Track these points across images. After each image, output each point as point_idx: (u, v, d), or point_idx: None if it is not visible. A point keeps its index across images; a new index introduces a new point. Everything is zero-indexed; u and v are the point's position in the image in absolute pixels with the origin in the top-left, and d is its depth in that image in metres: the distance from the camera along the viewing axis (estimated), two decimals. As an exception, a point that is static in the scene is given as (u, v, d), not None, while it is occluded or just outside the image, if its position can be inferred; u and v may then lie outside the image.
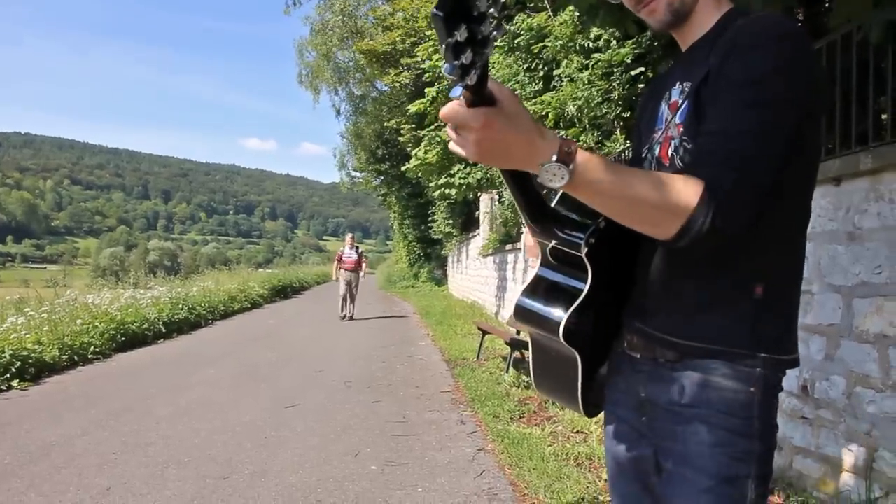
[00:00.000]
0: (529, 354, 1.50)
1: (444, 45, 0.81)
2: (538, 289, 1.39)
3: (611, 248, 1.27)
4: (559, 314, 1.30)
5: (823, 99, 1.21)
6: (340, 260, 14.67)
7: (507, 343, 7.19)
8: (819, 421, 3.47)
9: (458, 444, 4.69)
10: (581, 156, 0.98)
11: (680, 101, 1.26)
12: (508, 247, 12.48)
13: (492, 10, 0.82)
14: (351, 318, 14.12)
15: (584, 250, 1.25)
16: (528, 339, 1.42)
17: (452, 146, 0.98)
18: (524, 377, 6.62)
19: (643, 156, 1.37)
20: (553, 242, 1.33)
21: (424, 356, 8.96)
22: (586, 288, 1.28)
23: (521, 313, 1.40)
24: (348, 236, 15.55)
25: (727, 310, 1.20)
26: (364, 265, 15.04)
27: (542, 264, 1.40)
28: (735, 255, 1.17)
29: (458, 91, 0.88)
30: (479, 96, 0.90)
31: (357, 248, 14.96)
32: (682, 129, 1.22)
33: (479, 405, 5.68)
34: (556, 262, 1.38)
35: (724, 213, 1.03)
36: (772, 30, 1.13)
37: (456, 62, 0.82)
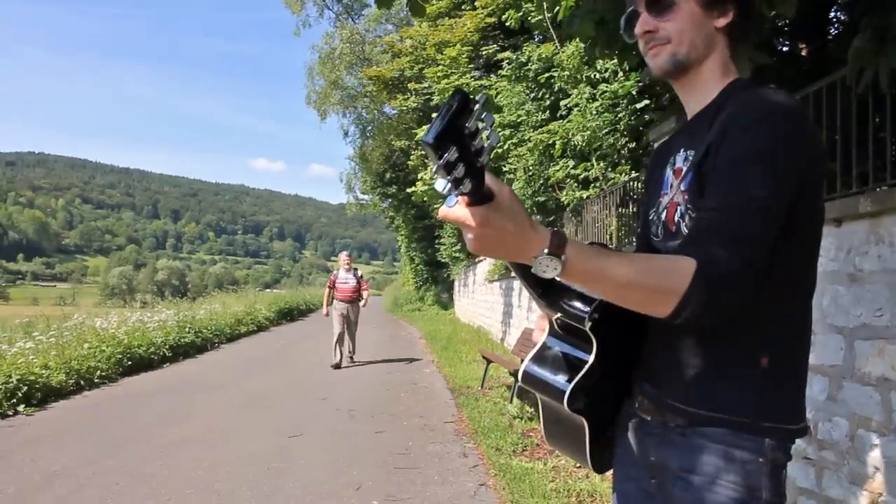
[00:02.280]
0: (540, 413, 1.53)
1: (435, 167, 0.86)
2: (545, 357, 1.42)
3: (617, 318, 1.29)
4: (563, 384, 1.33)
5: (821, 171, 1.23)
6: (333, 286, 11.07)
7: (511, 373, 7.19)
8: (822, 462, 3.45)
9: (460, 478, 4.68)
10: (571, 247, 1.02)
11: (684, 169, 1.29)
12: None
13: (483, 124, 0.87)
14: (351, 359, 10.96)
15: (588, 324, 1.28)
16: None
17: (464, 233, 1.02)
18: (528, 408, 6.60)
19: (650, 218, 1.41)
20: (559, 315, 1.36)
21: (429, 384, 8.94)
22: (590, 359, 1.32)
23: (529, 379, 1.43)
24: (343, 255, 11.57)
25: (733, 380, 1.22)
26: (366, 293, 11.37)
27: (549, 333, 1.44)
28: (740, 325, 1.19)
29: (452, 200, 0.92)
30: (477, 197, 0.94)
31: (356, 270, 11.37)
32: (687, 196, 1.25)
33: (481, 437, 5.67)
34: (562, 332, 1.41)
35: (717, 291, 1.06)
36: (766, 108, 1.16)
37: (449, 177, 0.87)
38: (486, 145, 0.88)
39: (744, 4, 1.30)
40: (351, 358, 11.00)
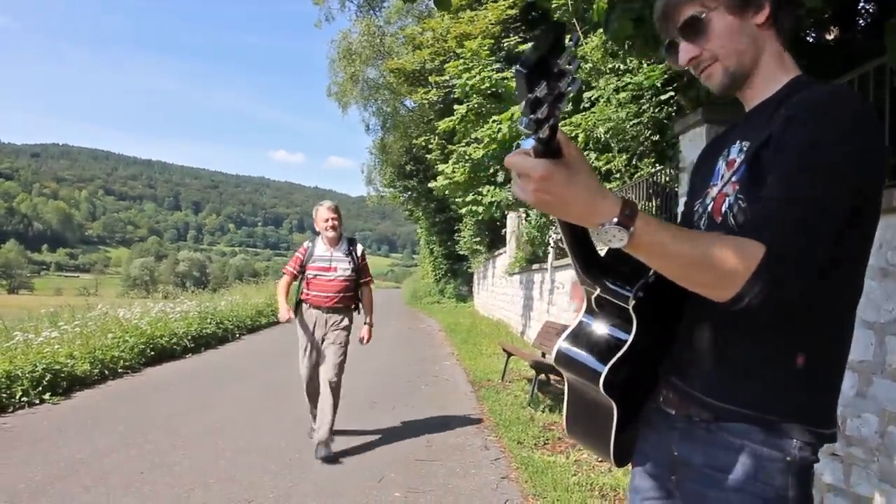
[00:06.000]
0: (565, 398, 1.50)
1: (524, 101, 0.84)
2: (581, 336, 1.38)
3: (657, 301, 1.27)
4: (600, 365, 1.29)
5: (882, 170, 1.18)
6: (300, 274, 5.21)
7: (532, 366, 7.16)
8: (851, 458, 3.39)
9: (482, 471, 4.67)
10: (641, 219, 0.98)
11: (738, 160, 1.26)
12: (535, 266, 12.44)
13: (570, 67, 0.85)
14: (327, 447, 4.88)
15: (632, 303, 1.26)
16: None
17: (514, 190, 0.99)
18: (548, 401, 6.57)
19: (695, 209, 1.38)
20: (600, 291, 1.33)
21: (449, 376, 8.94)
22: (630, 340, 1.29)
23: (562, 359, 1.39)
24: (322, 208, 5.21)
25: (766, 377, 1.19)
26: (371, 286, 5.49)
27: (586, 311, 1.40)
28: (780, 322, 1.16)
29: (529, 143, 0.91)
30: (547, 148, 0.92)
31: (350, 242, 5.29)
32: (737, 187, 1.22)
33: (503, 430, 5.65)
34: (600, 310, 1.37)
35: (781, 279, 1.03)
36: (833, 101, 1.13)
37: (532, 116, 0.85)
38: (567, 91, 0.85)
39: None
40: (327, 446, 4.91)
